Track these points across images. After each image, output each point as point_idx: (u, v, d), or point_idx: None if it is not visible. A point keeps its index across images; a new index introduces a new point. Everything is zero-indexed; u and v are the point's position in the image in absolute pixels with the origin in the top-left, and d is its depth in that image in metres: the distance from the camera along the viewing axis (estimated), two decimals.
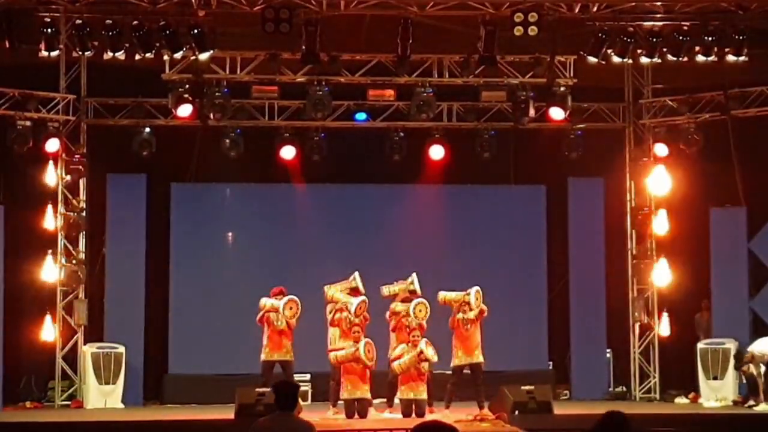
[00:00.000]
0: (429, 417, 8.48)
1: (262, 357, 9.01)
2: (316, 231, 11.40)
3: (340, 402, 8.79)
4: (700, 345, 10.77)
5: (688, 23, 9.39)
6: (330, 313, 8.98)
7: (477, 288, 8.99)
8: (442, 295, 9.04)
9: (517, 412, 8.35)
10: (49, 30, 9.09)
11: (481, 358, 8.94)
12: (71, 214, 10.82)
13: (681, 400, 10.70)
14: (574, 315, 11.34)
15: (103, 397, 10.34)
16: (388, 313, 9.10)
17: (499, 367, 10.10)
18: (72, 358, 10.70)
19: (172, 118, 10.71)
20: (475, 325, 8.94)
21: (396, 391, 8.81)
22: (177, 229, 11.36)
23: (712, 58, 9.46)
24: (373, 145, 11.15)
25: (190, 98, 10.28)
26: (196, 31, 9.16)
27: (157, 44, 9.17)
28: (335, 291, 9.05)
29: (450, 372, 9.09)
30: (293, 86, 10.62)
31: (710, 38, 9.34)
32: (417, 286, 9.11)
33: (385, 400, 9.15)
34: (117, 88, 10.84)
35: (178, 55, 9.56)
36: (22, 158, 10.65)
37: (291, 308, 8.88)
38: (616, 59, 9.58)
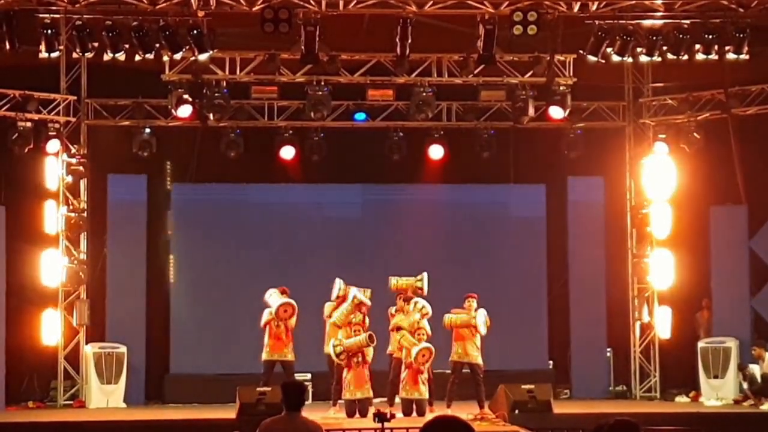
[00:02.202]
0: (430, 416, 8.47)
1: (264, 356, 9.04)
2: (316, 231, 11.41)
3: (340, 401, 8.81)
4: (701, 344, 10.77)
5: (688, 21, 9.37)
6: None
7: (484, 313, 8.82)
8: (448, 319, 8.82)
9: (517, 411, 8.35)
10: (50, 31, 9.11)
11: (479, 360, 8.92)
12: (72, 214, 10.85)
13: (681, 399, 10.69)
14: (574, 314, 11.33)
15: (105, 397, 10.37)
16: (390, 311, 9.12)
17: (499, 366, 10.10)
18: (74, 358, 10.73)
19: (172, 119, 10.74)
20: (476, 331, 8.92)
21: (397, 390, 8.82)
22: (177, 229, 11.38)
23: (713, 56, 9.44)
24: (373, 145, 11.16)
25: (190, 99, 10.29)
26: (195, 31, 9.17)
27: (157, 45, 9.19)
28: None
29: (450, 371, 9.09)
30: (293, 86, 10.63)
31: (710, 36, 9.32)
32: (425, 285, 9.06)
33: (385, 399, 9.16)
34: (117, 89, 10.87)
35: (177, 56, 9.59)
36: (23, 159, 10.68)
37: (286, 311, 8.89)
38: (615, 58, 9.56)
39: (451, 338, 8.94)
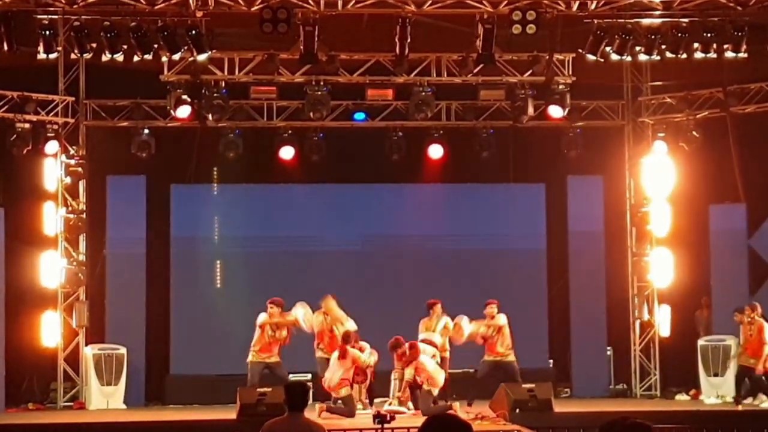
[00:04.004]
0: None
1: (251, 358, 9.03)
2: (316, 231, 11.41)
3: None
4: (701, 342, 10.77)
5: (686, 20, 9.38)
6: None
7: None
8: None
9: (517, 410, 8.35)
10: (48, 32, 9.09)
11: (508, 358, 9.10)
12: (71, 216, 10.84)
13: (682, 397, 10.69)
14: (575, 313, 11.34)
15: (105, 398, 10.36)
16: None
17: None
18: (74, 359, 10.72)
19: (171, 120, 10.72)
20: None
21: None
22: (177, 230, 11.37)
23: (711, 54, 9.45)
24: (372, 145, 11.16)
25: (189, 99, 10.29)
26: (193, 32, 9.16)
27: (156, 45, 9.18)
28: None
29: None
30: (292, 86, 10.62)
31: (709, 35, 9.33)
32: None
33: (385, 399, 9.18)
34: (115, 90, 10.85)
35: (176, 57, 9.57)
36: (22, 160, 10.66)
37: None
38: (614, 57, 9.56)
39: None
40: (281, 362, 9.04)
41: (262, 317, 9.03)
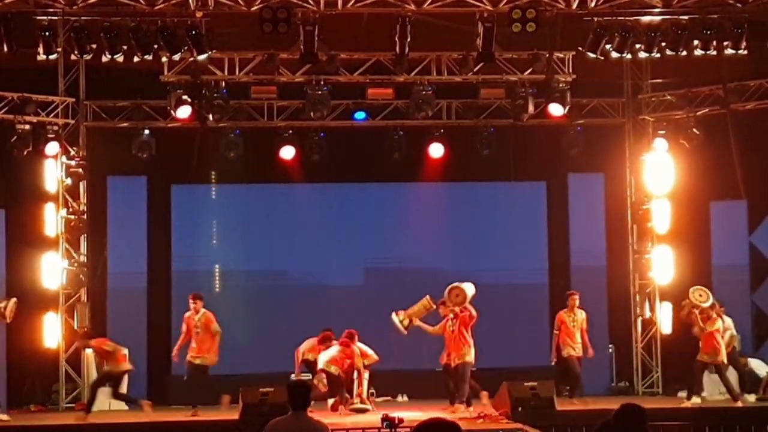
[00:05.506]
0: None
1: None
2: (317, 231, 11.42)
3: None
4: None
5: (686, 17, 9.40)
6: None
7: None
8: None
9: (519, 409, 8.36)
10: (48, 33, 9.10)
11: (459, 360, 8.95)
12: (72, 217, 10.84)
13: (684, 394, 10.69)
14: None
15: (107, 400, 10.34)
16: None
17: (501, 363, 10.11)
18: (75, 360, 10.72)
19: (172, 120, 10.73)
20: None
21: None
22: (178, 230, 11.37)
23: (711, 51, 9.46)
24: (373, 144, 11.17)
25: (189, 100, 10.29)
26: (193, 32, 9.16)
27: (155, 46, 9.18)
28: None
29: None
30: (292, 86, 10.62)
31: (709, 32, 9.34)
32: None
33: (388, 398, 9.21)
34: (116, 91, 10.86)
35: (176, 57, 9.57)
36: (22, 162, 10.66)
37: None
38: (614, 54, 9.58)
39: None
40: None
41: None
